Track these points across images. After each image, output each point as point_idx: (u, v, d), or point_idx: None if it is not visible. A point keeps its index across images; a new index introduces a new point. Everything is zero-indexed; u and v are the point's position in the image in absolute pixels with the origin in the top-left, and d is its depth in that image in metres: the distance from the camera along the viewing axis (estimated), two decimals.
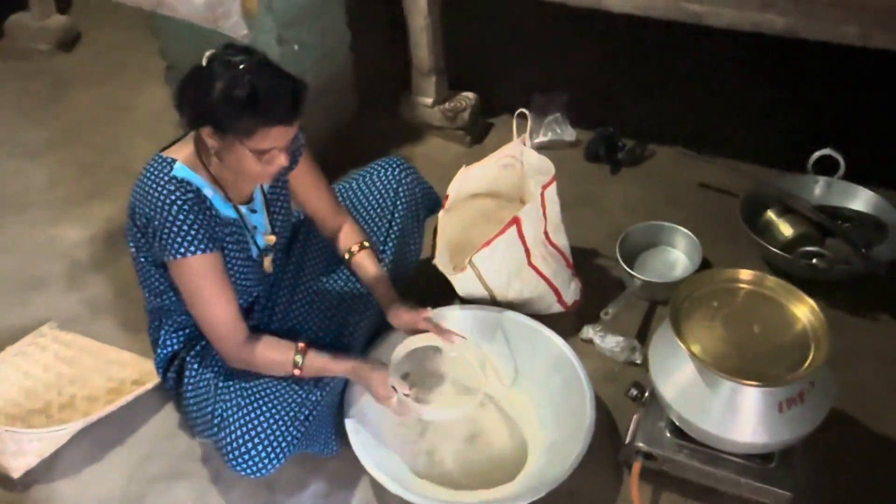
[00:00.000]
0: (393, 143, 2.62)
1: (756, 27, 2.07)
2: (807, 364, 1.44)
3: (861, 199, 2.21)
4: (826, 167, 2.23)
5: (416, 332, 1.73)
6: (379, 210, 1.88)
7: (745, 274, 1.58)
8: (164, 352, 1.72)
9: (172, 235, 1.47)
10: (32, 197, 2.55)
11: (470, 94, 2.65)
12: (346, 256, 1.78)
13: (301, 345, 1.60)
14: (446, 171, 2.11)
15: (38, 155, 2.71)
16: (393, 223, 1.88)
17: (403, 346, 1.71)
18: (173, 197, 1.47)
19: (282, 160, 1.47)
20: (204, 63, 1.42)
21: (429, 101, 2.62)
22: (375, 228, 1.87)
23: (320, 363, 1.60)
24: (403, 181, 1.90)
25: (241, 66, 1.38)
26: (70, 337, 2.07)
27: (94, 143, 2.75)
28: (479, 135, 2.67)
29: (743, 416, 1.48)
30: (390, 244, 1.87)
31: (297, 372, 1.58)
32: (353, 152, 2.45)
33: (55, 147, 2.74)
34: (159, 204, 1.46)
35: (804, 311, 1.52)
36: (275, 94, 1.39)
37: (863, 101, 2.67)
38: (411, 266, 1.97)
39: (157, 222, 1.47)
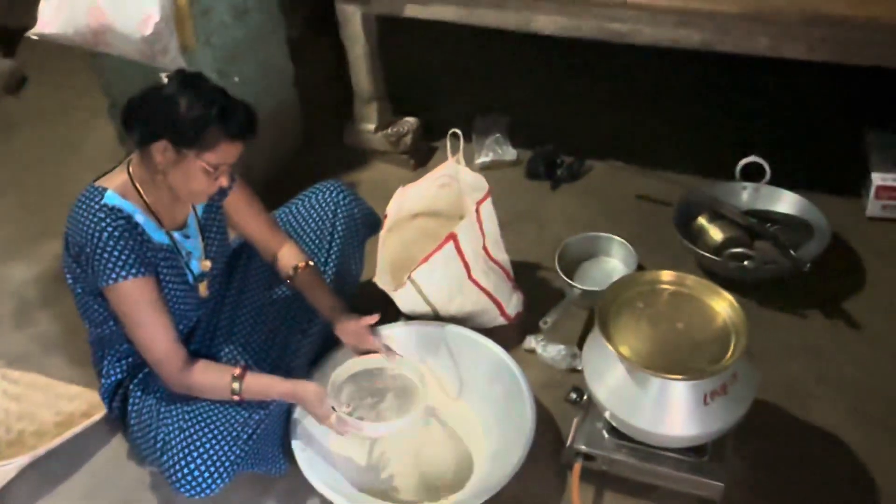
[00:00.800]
0: (339, 170, 2.67)
1: (675, 42, 2.18)
2: (728, 356, 1.51)
3: (787, 202, 2.31)
4: (753, 173, 2.33)
5: (362, 345, 1.77)
6: (318, 232, 1.93)
7: (667, 275, 1.65)
8: (108, 381, 1.74)
9: (104, 262, 1.50)
10: None
11: (412, 119, 2.73)
12: (291, 273, 1.82)
13: (237, 370, 1.62)
14: (392, 195, 2.17)
15: None
16: (332, 244, 1.93)
17: (344, 369, 1.75)
18: (103, 224, 1.51)
19: (225, 180, 1.55)
20: (165, 81, 1.50)
21: (371, 127, 2.68)
22: (315, 250, 1.92)
23: (259, 387, 1.63)
24: (341, 203, 1.95)
25: (204, 85, 1.49)
26: (18, 374, 2.07)
27: (41, 182, 2.77)
28: (422, 158, 2.73)
29: (671, 411, 1.54)
30: (331, 265, 1.92)
31: (236, 398, 1.61)
32: (299, 181, 2.48)
33: (2, 189, 2.75)
34: (90, 232, 1.50)
35: (723, 305, 1.59)
36: (237, 112, 1.50)
37: (783, 109, 2.79)
38: (353, 286, 2.01)
39: (88, 249, 1.51)
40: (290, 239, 1.87)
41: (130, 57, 2.11)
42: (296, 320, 1.86)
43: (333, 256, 1.92)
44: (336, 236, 1.92)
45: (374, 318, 1.78)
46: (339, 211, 1.93)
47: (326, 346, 1.90)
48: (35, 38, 2.14)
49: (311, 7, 3.10)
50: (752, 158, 2.33)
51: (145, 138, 1.51)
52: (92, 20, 2.02)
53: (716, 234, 2.23)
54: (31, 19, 2.18)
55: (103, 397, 1.77)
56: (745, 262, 2.13)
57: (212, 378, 1.61)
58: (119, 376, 1.73)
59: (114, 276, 1.51)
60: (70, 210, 1.56)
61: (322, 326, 1.87)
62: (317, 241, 1.93)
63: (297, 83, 2.70)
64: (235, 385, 1.60)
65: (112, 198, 1.54)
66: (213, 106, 1.46)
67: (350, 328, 1.77)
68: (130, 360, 1.72)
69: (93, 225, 1.50)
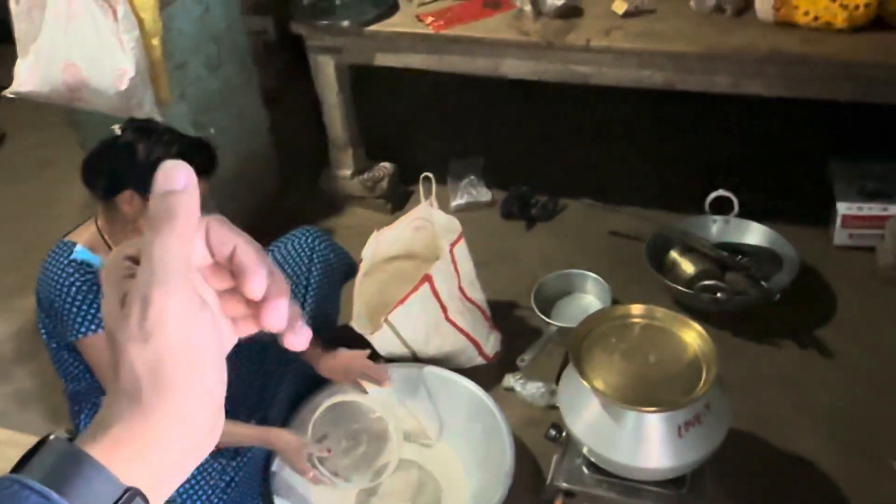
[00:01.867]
0: (316, 216, 2.70)
1: (638, 83, 2.24)
2: (699, 386, 1.53)
3: (755, 234, 2.35)
4: (722, 207, 2.38)
5: (353, 373, 1.81)
6: (294, 278, 1.95)
7: (637, 308, 1.67)
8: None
9: (72, 316, 1.51)
10: None
11: (388, 164, 2.77)
12: None
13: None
14: (366, 239, 2.20)
15: None
16: (308, 290, 1.95)
17: (322, 407, 1.75)
18: (72, 279, 1.52)
19: None
20: (118, 132, 1.52)
21: (347, 172, 2.72)
22: (291, 295, 1.93)
23: (231, 434, 1.62)
24: (317, 248, 1.97)
25: (158, 129, 1.54)
26: None
27: (18, 239, 2.77)
28: (399, 202, 2.77)
29: (647, 443, 1.55)
30: (307, 311, 1.93)
31: None
32: (276, 227, 2.51)
33: None
34: (58, 286, 1.52)
35: (693, 336, 1.61)
36: (196, 149, 1.53)
37: (749, 143, 2.86)
38: (330, 332, 2.02)
39: (57, 304, 1.52)
40: None
41: (106, 112, 2.14)
42: (273, 362, 1.86)
43: (309, 302, 1.93)
44: (312, 281, 1.94)
45: (366, 352, 1.79)
46: (314, 256, 1.95)
47: (305, 390, 1.90)
48: (12, 96, 2.17)
49: (286, 57, 3.16)
50: (719, 192, 2.38)
51: (110, 191, 1.53)
52: (68, 77, 2.05)
53: (688, 267, 2.26)
54: (5, 78, 2.21)
55: None
56: (718, 294, 2.16)
57: None
58: None
59: (83, 329, 1.52)
60: (41, 265, 1.58)
61: (298, 367, 1.87)
62: (292, 287, 1.94)
63: (273, 131, 2.74)
64: None
65: (81, 252, 1.56)
66: (171, 147, 1.50)
67: (338, 362, 1.78)
68: None
69: (62, 280, 1.52)
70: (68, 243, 1.57)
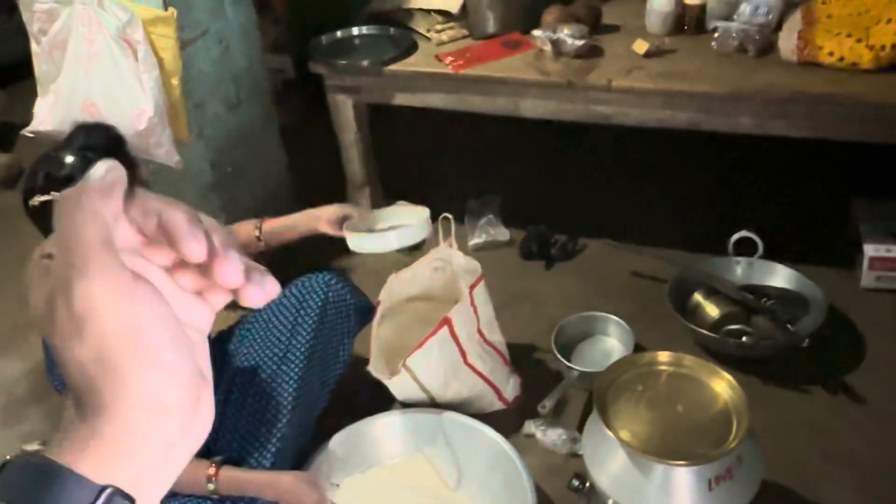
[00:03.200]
0: (332, 255, 2.67)
1: (661, 123, 2.21)
2: (731, 439, 1.48)
3: (781, 276, 2.30)
4: (746, 248, 2.34)
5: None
6: (307, 318, 1.91)
7: (664, 356, 1.63)
8: None
9: None
10: None
11: (405, 203, 2.74)
12: (257, 236, 1.83)
13: (211, 470, 1.57)
14: (385, 280, 2.17)
15: None
16: (321, 329, 1.90)
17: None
18: None
19: None
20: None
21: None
22: (302, 334, 1.89)
23: (236, 483, 1.58)
24: (333, 289, 1.94)
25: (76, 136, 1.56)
26: None
27: None
28: (417, 243, 2.74)
29: (676, 498, 1.49)
30: (317, 350, 1.89)
31: (214, 496, 1.56)
32: (293, 268, 2.49)
33: None
34: None
35: (723, 386, 1.56)
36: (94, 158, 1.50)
37: (773, 183, 2.82)
38: (339, 374, 1.97)
39: None
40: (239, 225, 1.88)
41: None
42: (276, 367, 1.83)
43: (322, 345, 1.89)
44: (325, 324, 1.90)
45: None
46: (330, 297, 1.91)
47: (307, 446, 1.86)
48: (31, 135, 2.17)
49: (304, 97, 3.17)
50: (743, 233, 2.33)
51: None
52: (87, 116, 2.05)
53: (712, 310, 2.21)
54: (27, 116, 2.22)
55: None
56: (743, 339, 2.11)
57: (185, 475, 1.56)
58: None
59: None
60: None
61: (303, 368, 1.83)
62: (303, 329, 1.90)
63: (291, 169, 2.73)
64: (210, 486, 1.55)
65: None
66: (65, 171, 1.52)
67: (326, 212, 1.84)
68: None
69: None
70: None
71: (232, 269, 0.42)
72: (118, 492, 0.38)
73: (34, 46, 2.10)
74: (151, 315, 0.40)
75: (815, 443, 1.94)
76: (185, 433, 0.41)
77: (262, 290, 0.43)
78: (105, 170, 0.41)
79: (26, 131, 2.17)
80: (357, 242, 1.80)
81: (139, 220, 0.42)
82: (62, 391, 1.69)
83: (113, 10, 1.97)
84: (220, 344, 1.88)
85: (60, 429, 0.40)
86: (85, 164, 1.50)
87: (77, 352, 0.38)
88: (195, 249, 0.41)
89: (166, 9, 2.02)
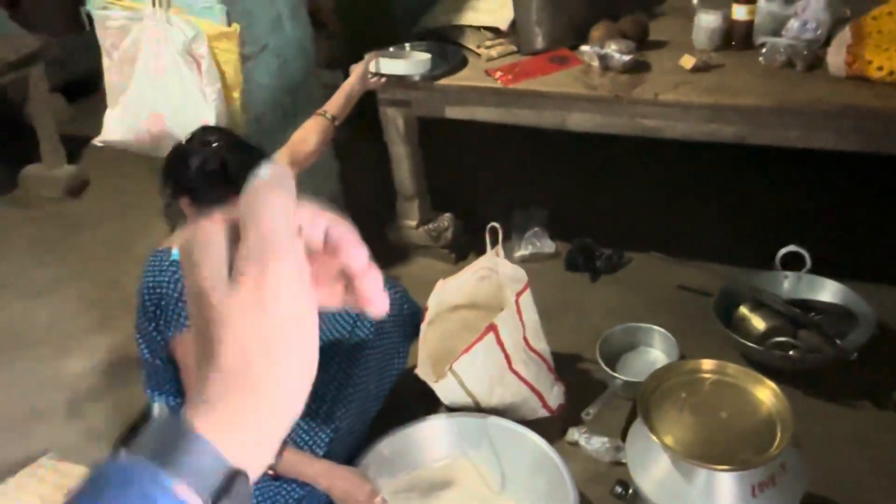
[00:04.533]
0: (382, 264, 2.69)
1: (707, 136, 2.23)
2: (774, 446, 1.49)
3: (829, 291, 2.29)
4: (793, 262, 2.33)
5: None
6: (364, 322, 1.97)
7: (708, 363, 1.64)
8: None
9: (178, 310, 1.58)
10: (37, 334, 2.66)
11: (452, 215, 2.80)
12: (329, 120, 2.05)
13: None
14: (433, 288, 2.22)
15: (45, 293, 2.84)
16: (383, 337, 1.97)
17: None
18: (177, 276, 1.60)
19: None
20: (184, 141, 1.61)
21: (413, 223, 2.76)
22: (361, 341, 1.95)
23: (294, 462, 1.64)
24: (391, 296, 1.99)
25: (215, 144, 1.58)
26: (68, 467, 2.11)
27: (97, 279, 2.89)
28: (463, 252, 2.79)
29: (719, 503, 1.51)
30: (375, 357, 1.95)
31: (270, 472, 1.62)
32: None
33: (61, 286, 2.88)
34: (166, 283, 1.60)
35: (767, 394, 1.57)
36: (244, 168, 1.55)
37: (821, 197, 2.81)
38: (394, 379, 2.03)
39: (164, 301, 1.59)
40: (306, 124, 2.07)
41: None
42: (344, 370, 1.89)
43: (380, 348, 1.96)
44: (384, 329, 1.97)
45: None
46: (391, 305, 1.97)
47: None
48: (100, 144, 2.29)
49: (356, 109, 3.25)
50: (791, 247, 2.33)
51: (174, 195, 1.62)
52: (153, 126, 2.16)
53: (758, 323, 2.21)
54: (93, 128, 2.34)
55: None
56: (790, 352, 2.11)
57: None
58: None
59: (187, 322, 1.58)
60: (143, 275, 1.66)
61: (368, 377, 1.88)
62: (363, 330, 1.96)
63: (342, 181, 2.81)
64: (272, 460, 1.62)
65: (178, 254, 1.63)
66: (216, 161, 1.55)
67: (356, 72, 2.15)
68: None
69: (168, 276, 1.61)
70: (165, 250, 1.66)
71: (376, 284, 0.48)
72: (243, 474, 0.42)
73: (106, 61, 2.22)
74: (313, 310, 0.44)
75: (863, 457, 1.92)
76: (296, 414, 0.45)
77: (385, 304, 0.48)
78: (272, 170, 0.45)
79: (96, 140, 2.29)
80: (379, 64, 2.33)
81: (307, 228, 0.46)
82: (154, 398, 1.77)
83: (180, 27, 2.08)
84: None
85: (193, 402, 0.43)
86: (211, 154, 1.57)
87: (249, 325, 0.42)
88: (361, 261, 0.47)
89: (230, 25, 2.13)
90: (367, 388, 1.88)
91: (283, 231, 0.43)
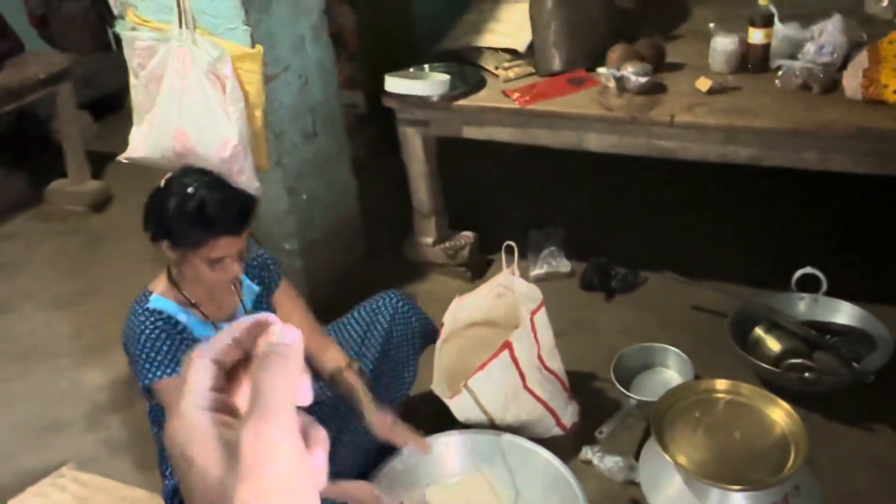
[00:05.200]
0: (398, 281, 2.77)
1: (723, 158, 2.25)
2: (788, 466, 1.49)
3: (846, 313, 2.29)
4: (809, 284, 2.33)
5: (388, 436, 1.77)
6: (374, 338, 1.99)
7: (722, 384, 1.65)
8: (171, 483, 1.79)
9: (142, 362, 1.60)
10: (58, 346, 2.71)
11: (469, 233, 2.83)
12: (334, 372, 1.81)
13: None
14: (449, 306, 2.24)
15: (67, 306, 2.89)
16: (389, 351, 1.99)
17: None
18: (143, 327, 1.61)
19: (235, 269, 1.60)
20: (162, 184, 1.60)
21: (430, 240, 2.79)
22: (369, 355, 1.98)
23: None
24: (399, 310, 2.02)
25: (192, 185, 1.56)
26: (87, 477, 2.14)
27: (119, 293, 2.93)
28: (479, 271, 2.82)
29: None
30: (385, 371, 1.97)
31: None
32: (360, 291, 2.60)
33: (83, 299, 2.93)
34: (133, 334, 1.61)
35: (781, 415, 1.57)
36: (222, 208, 1.56)
37: (838, 219, 2.81)
38: (404, 395, 2.04)
39: (131, 350, 1.61)
40: (333, 343, 1.90)
41: None
42: (355, 433, 1.87)
43: (389, 362, 1.98)
44: (392, 343, 1.98)
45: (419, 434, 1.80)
46: (396, 317, 1.99)
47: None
48: (126, 161, 2.34)
49: (375, 129, 3.31)
50: (807, 269, 2.33)
51: (154, 238, 1.61)
52: (178, 144, 2.21)
53: (773, 344, 2.21)
54: (117, 145, 2.40)
55: (165, 498, 1.82)
56: (806, 374, 2.10)
57: None
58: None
59: (151, 374, 1.60)
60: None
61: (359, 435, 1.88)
62: (371, 347, 1.99)
63: (361, 198, 2.85)
64: None
65: (156, 301, 1.65)
66: (192, 204, 1.52)
67: (382, 421, 1.77)
68: None
69: (136, 327, 1.61)
70: (146, 292, 1.67)
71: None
72: None
73: (133, 80, 2.28)
74: (308, 474, 0.46)
75: (880, 480, 1.91)
76: None
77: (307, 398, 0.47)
78: (282, 333, 0.47)
79: (122, 157, 2.34)
80: (394, 83, 2.40)
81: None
82: (156, 431, 1.79)
83: (205, 47, 2.13)
84: None
85: None
86: (188, 196, 1.55)
87: (243, 494, 0.42)
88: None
89: (253, 46, 2.18)
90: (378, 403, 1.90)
91: (282, 402, 0.44)
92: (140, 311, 1.64)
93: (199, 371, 0.47)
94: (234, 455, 0.44)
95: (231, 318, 1.76)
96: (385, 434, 1.78)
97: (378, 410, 1.79)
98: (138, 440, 2.25)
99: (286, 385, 0.45)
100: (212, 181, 1.61)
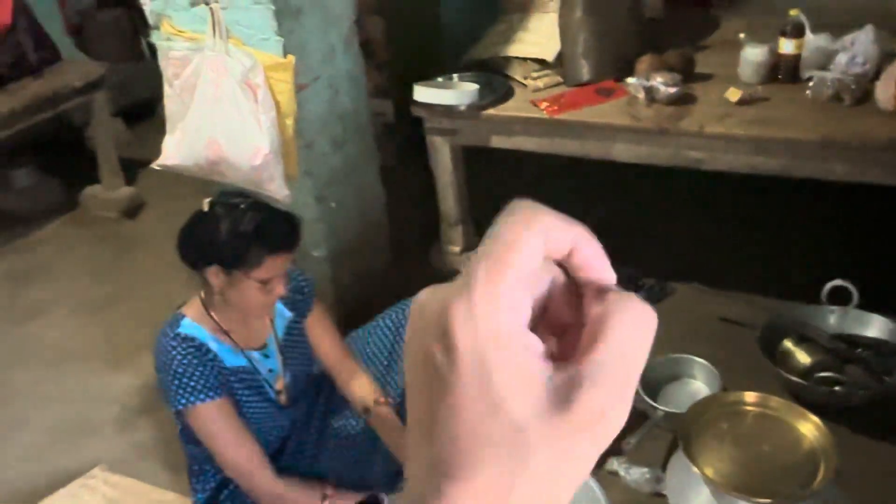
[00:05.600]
0: (422, 285, 2.78)
1: (752, 169, 2.24)
2: (817, 480, 1.47)
3: (877, 327, 2.26)
4: (840, 297, 2.31)
5: None
6: (401, 352, 2.00)
7: (751, 396, 1.64)
8: (202, 496, 1.81)
9: (174, 387, 1.61)
10: (90, 349, 2.75)
11: None
12: (367, 408, 1.82)
13: (328, 489, 1.67)
14: None
15: (99, 311, 2.94)
16: None
17: None
18: (174, 353, 1.62)
19: (280, 289, 1.61)
20: (206, 208, 1.59)
21: (457, 249, 2.80)
22: (393, 366, 1.98)
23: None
24: None
25: (242, 206, 1.56)
26: (118, 478, 2.18)
27: (150, 298, 2.98)
28: None
29: None
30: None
31: None
32: (386, 298, 2.61)
33: (115, 303, 2.98)
34: (164, 359, 1.62)
35: (810, 428, 1.56)
36: (276, 225, 1.57)
37: (869, 231, 2.77)
38: None
39: (161, 375, 1.63)
40: (362, 370, 1.88)
41: (240, 184, 2.31)
42: (385, 458, 1.85)
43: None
44: None
45: None
46: None
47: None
48: (158, 168, 2.38)
49: (403, 137, 3.33)
50: (838, 282, 2.31)
51: (198, 265, 1.60)
52: (210, 152, 2.25)
53: (803, 357, 2.19)
54: (150, 152, 2.44)
55: None
56: (836, 388, 2.08)
57: (300, 494, 1.65)
58: (211, 492, 1.80)
59: (183, 400, 1.61)
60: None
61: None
62: (401, 360, 1.99)
63: (388, 207, 2.87)
64: None
65: (187, 326, 1.65)
66: (249, 225, 1.53)
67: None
68: (220, 476, 1.79)
69: (166, 353, 1.62)
70: (178, 316, 1.68)
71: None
72: None
73: (167, 89, 2.32)
74: None
75: None
76: None
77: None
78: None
79: (155, 164, 2.38)
80: (422, 92, 2.41)
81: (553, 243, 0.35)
82: (187, 446, 1.79)
83: (238, 57, 2.17)
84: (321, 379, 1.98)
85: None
86: (241, 215, 1.56)
87: (557, 466, 0.32)
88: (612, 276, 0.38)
89: (285, 56, 2.21)
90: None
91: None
92: (172, 335, 1.64)
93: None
94: None
95: (262, 346, 1.77)
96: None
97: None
98: (167, 443, 2.29)
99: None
100: (256, 201, 1.62)
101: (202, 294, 1.69)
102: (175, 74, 2.26)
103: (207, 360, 1.64)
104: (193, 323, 1.66)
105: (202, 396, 1.61)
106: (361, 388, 1.83)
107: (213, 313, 1.67)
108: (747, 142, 2.19)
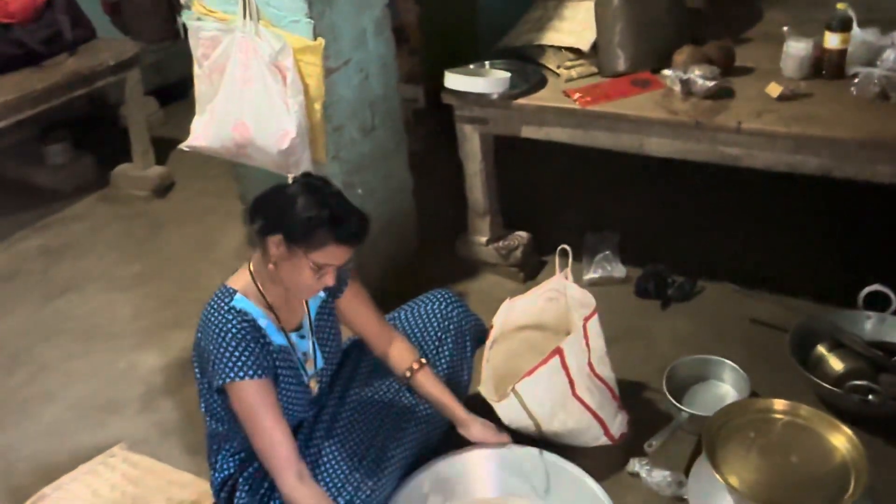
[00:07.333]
0: (450, 278, 2.76)
1: (791, 168, 2.17)
2: (848, 495, 1.42)
3: None
4: (877, 302, 2.23)
5: (490, 440, 1.90)
6: (427, 341, 1.98)
7: (780, 404, 1.59)
8: (220, 476, 1.81)
9: (225, 360, 1.60)
10: (118, 327, 2.77)
11: (523, 234, 2.80)
12: (407, 375, 1.89)
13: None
14: (500, 306, 2.22)
15: (128, 289, 2.96)
16: (441, 355, 1.98)
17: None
18: (230, 325, 1.62)
19: (330, 279, 1.64)
20: (290, 181, 1.65)
21: (484, 239, 2.77)
22: (442, 349, 1.98)
23: None
24: (451, 315, 2.01)
25: (325, 190, 1.61)
26: (137, 458, 2.19)
27: (177, 277, 3.00)
28: (532, 272, 2.78)
29: None
30: (441, 374, 1.96)
31: None
32: (412, 287, 2.59)
33: (143, 281, 2.99)
34: (217, 331, 1.61)
35: (842, 440, 1.51)
36: (349, 217, 1.60)
37: None
38: (463, 394, 2.03)
39: (212, 347, 1.62)
40: (399, 335, 1.94)
41: (268, 168, 2.30)
42: (395, 424, 1.88)
43: (444, 366, 1.97)
44: (445, 348, 1.98)
45: (507, 437, 1.90)
46: (449, 324, 1.99)
47: (422, 452, 1.92)
48: (187, 149, 2.38)
49: (433, 124, 3.29)
50: (875, 287, 2.23)
51: (264, 231, 1.62)
52: (237, 134, 2.23)
53: (836, 364, 2.13)
54: (182, 132, 2.44)
55: (213, 489, 1.85)
56: (870, 396, 2.01)
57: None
58: (230, 471, 1.80)
59: (232, 374, 1.60)
60: (203, 309, 1.69)
61: (419, 434, 1.89)
62: (425, 351, 1.98)
63: (416, 194, 2.84)
64: None
65: (240, 301, 1.66)
66: (325, 209, 1.57)
67: (476, 433, 1.88)
68: (242, 455, 1.80)
69: (220, 325, 1.62)
70: (229, 290, 1.68)
71: None
72: None
73: (196, 69, 2.31)
74: None
75: None
76: None
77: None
78: None
79: (183, 146, 2.38)
80: (454, 79, 2.40)
81: None
82: (210, 424, 1.80)
83: (268, 39, 2.15)
84: (342, 356, 1.98)
85: None
86: (322, 199, 1.60)
87: None
88: None
89: (315, 39, 2.18)
90: (426, 414, 1.91)
91: None
92: (225, 308, 1.65)
93: None
94: None
95: (298, 328, 1.77)
96: (488, 440, 1.87)
97: (469, 418, 1.86)
98: (189, 424, 2.30)
99: None
100: (339, 191, 1.67)
101: (251, 267, 1.70)
102: (205, 55, 2.24)
103: (259, 337, 1.66)
104: (244, 297, 1.67)
105: (251, 373, 1.61)
106: (401, 353, 1.91)
107: (261, 288, 1.68)
108: (787, 139, 2.12)
